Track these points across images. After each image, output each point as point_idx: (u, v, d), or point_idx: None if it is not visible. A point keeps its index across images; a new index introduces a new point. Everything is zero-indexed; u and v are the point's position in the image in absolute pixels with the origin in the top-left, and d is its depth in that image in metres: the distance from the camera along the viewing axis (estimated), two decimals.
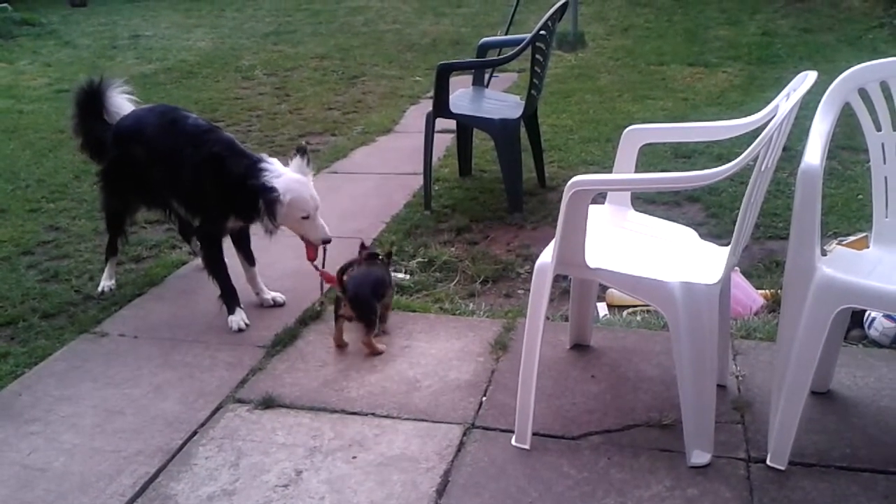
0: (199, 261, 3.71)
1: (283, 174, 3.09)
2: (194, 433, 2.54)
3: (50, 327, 3.31)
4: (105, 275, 3.68)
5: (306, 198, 3.10)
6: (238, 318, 3.25)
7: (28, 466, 2.41)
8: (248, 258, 3.47)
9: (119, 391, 2.80)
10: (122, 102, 3.59)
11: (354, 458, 2.39)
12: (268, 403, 2.67)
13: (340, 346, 3.03)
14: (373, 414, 2.61)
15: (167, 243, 4.15)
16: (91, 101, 3.57)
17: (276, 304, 3.43)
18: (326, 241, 3.18)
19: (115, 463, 2.41)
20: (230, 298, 3.31)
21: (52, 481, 2.34)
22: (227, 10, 13.21)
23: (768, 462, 2.26)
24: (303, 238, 3.20)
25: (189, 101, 7.30)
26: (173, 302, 3.52)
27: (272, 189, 3.03)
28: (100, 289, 3.63)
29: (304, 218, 3.11)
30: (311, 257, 3.22)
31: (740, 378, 2.71)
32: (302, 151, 3.18)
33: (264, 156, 3.17)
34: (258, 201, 3.06)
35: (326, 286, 3.38)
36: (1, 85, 8.30)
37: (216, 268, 3.34)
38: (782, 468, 2.24)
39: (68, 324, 3.33)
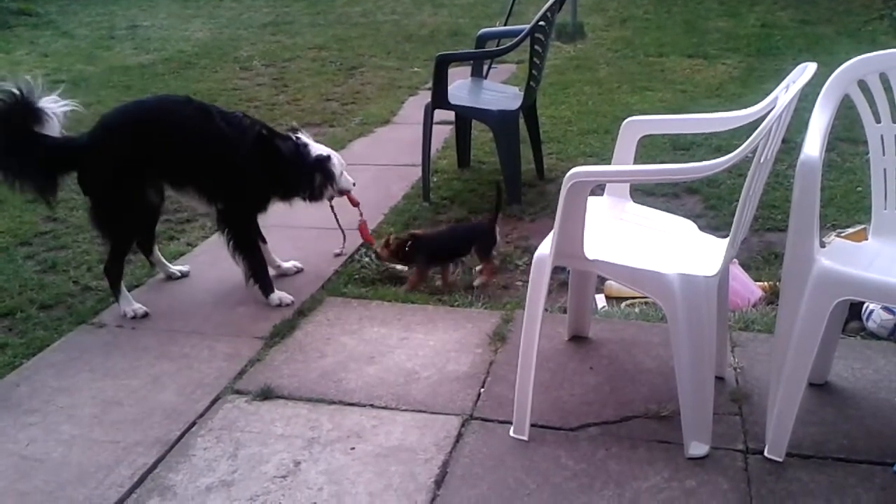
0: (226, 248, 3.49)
1: (313, 143, 3.51)
2: (193, 424, 2.54)
3: (48, 318, 3.31)
4: (123, 301, 3.32)
5: (337, 156, 3.56)
6: (281, 294, 3.37)
7: (26, 457, 2.41)
8: (261, 237, 3.57)
9: (117, 382, 2.80)
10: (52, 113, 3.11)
11: (353, 449, 2.39)
12: (266, 395, 2.67)
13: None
14: (371, 405, 2.61)
15: (165, 234, 4.14)
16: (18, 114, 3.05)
17: (299, 270, 3.67)
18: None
19: (113, 454, 2.41)
20: (267, 277, 3.42)
21: (50, 472, 2.34)
22: (225, 0, 13.16)
23: (766, 454, 2.27)
24: (340, 192, 3.59)
25: (188, 92, 7.19)
26: (171, 293, 3.51)
27: (328, 158, 3.47)
28: (132, 313, 3.28)
29: (339, 174, 3.53)
30: (355, 203, 3.67)
31: (738, 370, 2.71)
32: (295, 130, 3.55)
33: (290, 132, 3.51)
34: (313, 174, 3.43)
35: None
36: None
37: (255, 251, 3.45)
38: (780, 460, 2.24)
39: (66, 315, 3.33)
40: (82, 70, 8.40)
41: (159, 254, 3.67)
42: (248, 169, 3.28)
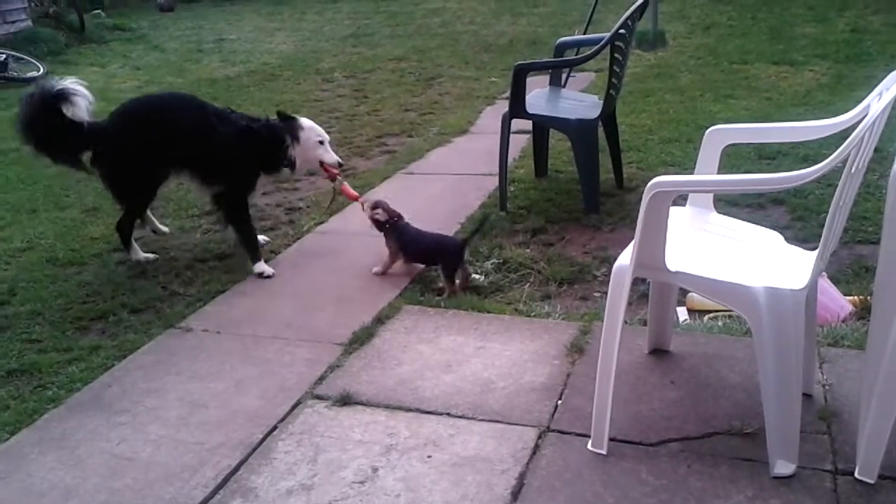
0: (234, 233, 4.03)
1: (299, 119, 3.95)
2: (274, 428, 2.60)
3: (138, 322, 3.44)
4: (135, 250, 4.09)
5: (317, 127, 3.97)
6: (265, 266, 3.86)
7: (117, 456, 2.51)
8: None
9: (203, 385, 2.89)
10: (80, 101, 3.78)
11: (430, 457, 2.40)
12: (345, 400, 2.71)
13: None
14: (448, 414, 2.62)
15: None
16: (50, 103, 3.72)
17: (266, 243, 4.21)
18: (340, 164, 4.03)
19: (198, 455, 2.48)
20: (257, 248, 3.93)
21: (139, 471, 2.43)
22: (307, 13, 13.48)
23: (856, 475, 2.18)
24: (321, 165, 3.98)
25: (271, 104, 7.46)
26: (255, 299, 3.61)
27: (292, 118, 3.90)
28: (144, 259, 4.06)
29: (319, 142, 3.93)
30: (332, 176, 4.05)
31: (827, 387, 2.61)
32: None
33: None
34: (284, 141, 3.85)
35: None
36: (93, 88, 8.61)
37: (249, 225, 3.95)
38: (871, 482, 2.15)
39: (155, 319, 3.45)
40: (172, 82, 8.73)
41: (150, 213, 4.33)
42: (232, 157, 3.83)
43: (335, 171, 4.01)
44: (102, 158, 3.86)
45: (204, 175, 3.92)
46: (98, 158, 3.86)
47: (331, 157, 3.98)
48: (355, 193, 4.09)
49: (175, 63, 9.90)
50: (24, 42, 10.61)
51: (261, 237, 4.15)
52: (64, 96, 3.72)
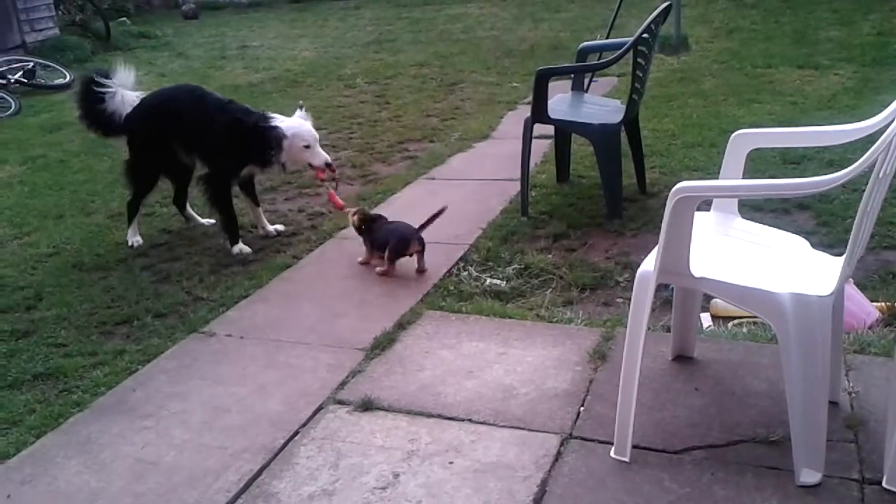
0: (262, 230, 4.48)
1: (286, 120, 4.04)
2: (296, 433, 2.61)
3: (162, 326, 3.47)
4: (132, 231, 4.46)
5: (305, 131, 4.01)
6: (242, 247, 4.21)
7: (141, 459, 2.53)
8: (254, 200, 4.46)
9: (226, 390, 2.91)
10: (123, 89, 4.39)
11: (451, 463, 2.40)
12: (367, 406, 2.71)
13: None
14: (469, 420, 2.61)
15: (272, 248, 4.28)
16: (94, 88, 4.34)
17: (280, 233, 4.46)
18: (328, 164, 4.05)
19: (221, 459, 2.49)
20: (235, 231, 4.25)
21: (163, 475, 2.44)
22: (330, 20, 13.55)
23: (884, 484, 2.15)
24: (310, 166, 4.10)
25: (294, 110, 7.51)
26: (277, 304, 3.62)
27: (276, 128, 3.97)
28: (131, 243, 4.42)
29: (305, 147, 4.00)
30: (322, 178, 4.15)
31: (853, 395, 2.58)
32: (300, 107, 4.17)
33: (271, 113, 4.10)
34: (270, 142, 3.95)
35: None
36: None
37: (226, 205, 4.21)
38: None
39: (179, 323, 3.47)
40: None
41: (191, 210, 4.72)
42: (219, 142, 4.08)
43: (322, 175, 4.12)
44: (129, 143, 4.38)
45: (199, 158, 4.30)
46: (128, 142, 4.39)
47: (318, 159, 4.05)
48: (341, 203, 4.17)
49: (199, 70, 9.99)
50: (52, 50, 10.77)
51: (277, 226, 4.51)
52: (102, 86, 4.32)
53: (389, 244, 3.77)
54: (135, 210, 4.47)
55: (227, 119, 4.07)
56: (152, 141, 4.29)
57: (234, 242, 4.24)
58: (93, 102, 4.35)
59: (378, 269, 3.83)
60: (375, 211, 4.19)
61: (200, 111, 4.17)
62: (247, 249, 4.21)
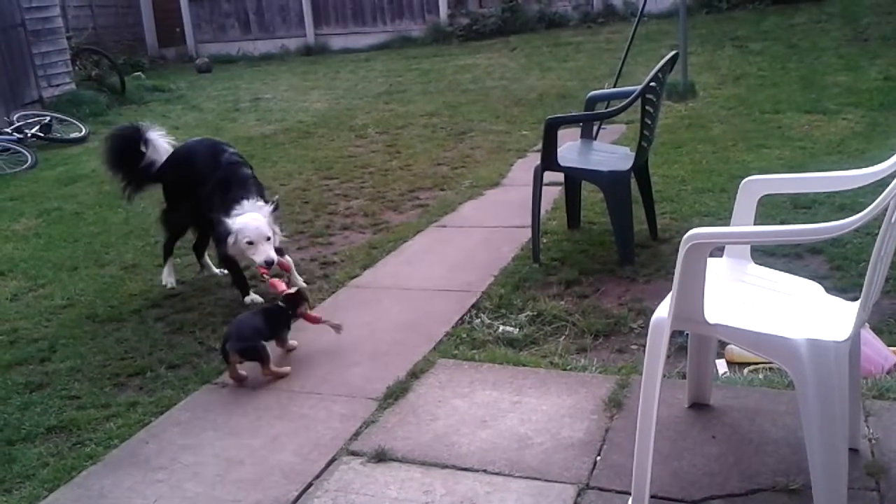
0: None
1: (245, 210, 3.99)
2: (309, 485, 2.59)
3: (175, 377, 3.46)
4: (167, 272, 4.63)
5: (251, 229, 3.92)
6: (254, 297, 4.24)
7: None
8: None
9: (239, 441, 2.89)
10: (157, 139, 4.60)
11: None
12: (380, 457, 2.69)
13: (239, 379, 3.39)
14: (484, 471, 2.58)
15: (284, 277, 4.28)
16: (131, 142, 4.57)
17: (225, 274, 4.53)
18: (269, 264, 3.91)
19: None
20: (244, 283, 4.30)
21: None
22: (341, 72, 13.76)
23: None
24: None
25: (306, 160, 7.61)
26: (290, 353, 3.61)
27: (222, 223, 3.95)
28: (165, 283, 4.59)
29: (248, 244, 3.92)
30: (262, 272, 3.98)
31: (874, 441, 2.54)
32: (273, 201, 4.09)
33: (254, 197, 4.07)
34: (217, 236, 4.02)
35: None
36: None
37: (232, 259, 4.18)
38: None
39: (192, 374, 3.47)
40: None
41: (207, 259, 4.75)
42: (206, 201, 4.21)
43: (264, 270, 3.93)
44: (163, 190, 4.61)
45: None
46: (163, 190, 4.62)
47: (260, 256, 3.90)
48: (283, 287, 3.76)
49: (212, 122, 10.13)
50: (68, 104, 10.97)
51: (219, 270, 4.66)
52: (144, 138, 4.56)
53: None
54: (169, 251, 4.64)
55: (214, 183, 4.18)
56: (178, 189, 4.49)
57: (245, 294, 4.28)
58: (129, 155, 4.57)
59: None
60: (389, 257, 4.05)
61: (209, 165, 4.29)
62: (258, 299, 4.22)
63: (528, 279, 4.22)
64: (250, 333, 3.38)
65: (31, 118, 9.72)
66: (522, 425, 2.83)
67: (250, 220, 3.96)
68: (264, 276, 3.98)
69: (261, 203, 4.06)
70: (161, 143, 4.62)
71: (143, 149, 4.56)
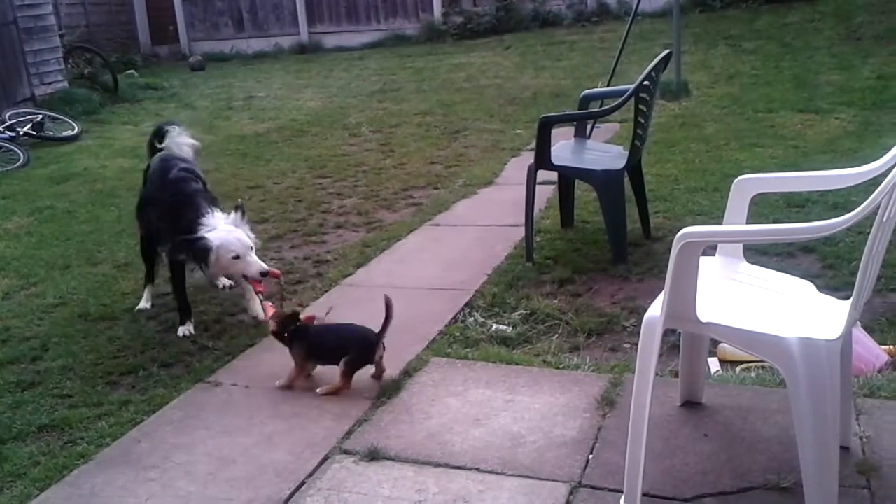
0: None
1: (216, 227, 3.64)
2: (302, 483, 2.58)
3: (168, 376, 3.46)
4: (145, 296, 4.28)
5: (233, 241, 3.61)
6: (187, 328, 3.89)
7: None
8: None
9: (232, 440, 2.88)
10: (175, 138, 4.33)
11: None
12: (373, 455, 2.69)
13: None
14: (477, 469, 2.58)
15: (277, 296, 4.27)
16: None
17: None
18: (263, 274, 3.64)
19: None
20: (186, 314, 3.94)
21: None
22: (335, 70, 13.75)
23: None
24: (244, 277, 3.70)
25: (299, 159, 7.60)
26: (283, 352, 3.57)
27: (202, 238, 3.60)
28: (140, 307, 4.23)
29: (235, 258, 3.60)
30: (258, 290, 3.72)
31: (865, 439, 2.55)
32: (237, 208, 3.74)
33: (210, 211, 3.72)
34: (195, 256, 3.65)
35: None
36: (126, 146, 8.88)
37: (178, 288, 3.97)
38: None
39: (185, 373, 3.46)
40: (203, 139, 8.79)
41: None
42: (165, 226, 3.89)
43: (260, 286, 3.70)
44: None
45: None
46: None
47: (252, 269, 3.62)
48: (271, 310, 3.41)
49: (205, 120, 10.10)
50: (60, 102, 10.94)
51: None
52: (162, 134, 4.36)
53: (350, 353, 3.17)
54: (149, 278, 4.35)
55: (166, 204, 3.87)
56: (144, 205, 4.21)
57: (183, 323, 3.91)
58: (150, 152, 4.42)
59: (323, 389, 3.16)
60: (382, 257, 3.99)
61: (160, 184, 4.01)
62: (189, 332, 3.86)
63: (521, 278, 4.23)
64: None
65: (23, 116, 9.67)
66: (515, 424, 2.83)
67: (227, 233, 3.62)
68: (260, 292, 3.70)
69: (224, 214, 3.73)
70: (178, 141, 4.32)
71: (157, 144, 4.33)
